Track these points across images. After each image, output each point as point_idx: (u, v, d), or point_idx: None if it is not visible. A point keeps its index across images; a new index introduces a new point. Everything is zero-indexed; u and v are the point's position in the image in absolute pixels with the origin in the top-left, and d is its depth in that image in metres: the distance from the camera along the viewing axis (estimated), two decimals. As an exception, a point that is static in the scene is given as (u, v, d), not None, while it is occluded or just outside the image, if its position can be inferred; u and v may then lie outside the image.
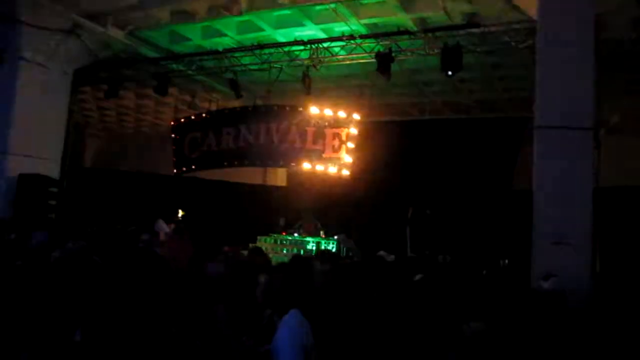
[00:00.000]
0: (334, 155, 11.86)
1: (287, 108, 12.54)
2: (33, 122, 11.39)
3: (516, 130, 14.00)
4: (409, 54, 10.82)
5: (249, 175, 16.99)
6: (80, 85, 13.65)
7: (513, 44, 9.77)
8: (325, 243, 12.99)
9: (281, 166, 15.59)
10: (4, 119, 11.24)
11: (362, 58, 11.26)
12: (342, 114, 12.11)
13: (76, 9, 11.05)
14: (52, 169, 11.77)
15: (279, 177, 18.86)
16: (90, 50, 12.09)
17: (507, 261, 9.74)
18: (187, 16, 11.18)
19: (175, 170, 14.06)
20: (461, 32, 9.96)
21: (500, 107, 14.82)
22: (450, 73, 9.88)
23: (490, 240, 12.40)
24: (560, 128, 7.59)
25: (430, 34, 10.29)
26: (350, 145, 11.94)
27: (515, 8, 8.80)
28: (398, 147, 15.08)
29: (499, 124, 14.89)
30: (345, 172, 12.15)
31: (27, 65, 11.34)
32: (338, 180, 12.67)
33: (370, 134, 13.21)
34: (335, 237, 12.93)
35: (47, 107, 11.75)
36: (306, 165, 12.39)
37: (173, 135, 14.07)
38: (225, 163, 13.14)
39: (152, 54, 13.01)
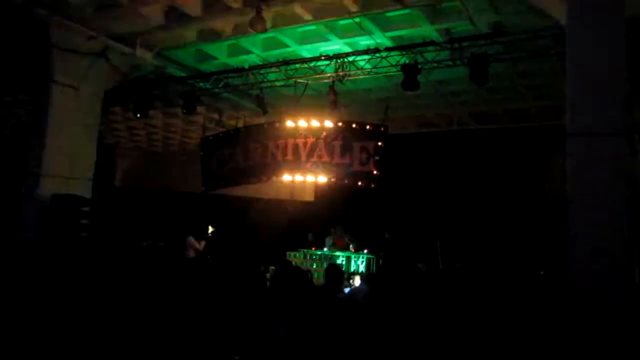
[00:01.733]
0: (362, 168, 11.79)
1: (313, 123, 12.56)
2: (66, 143, 11.60)
3: (547, 139, 13.78)
4: (435, 65, 10.76)
5: (276, 190, 17.04)
6: (111, 106, 13.91)
7: (541, 51, 9.65)
8: (355, 257, 12.94)
9: (309, 181, 15.59)
10: (37, 141, 11.49)
11: (388, 71, 11.24)
12: (369, 127, 12.08)
13: (105, 32, 11.27)
14: (84, 189, 11.95)
15: (306, 192, 18.87)
16: (120, 72, 12.32)
17: (542, 272, 9.53)
18: (213, 35, 11.31)
19: (204, 188, 14.17)
20: (488, 41, 9.87)
21: (530, 116, 14.62)
22: (480, 81, 9.82)
23: (525, 252, 12.18)
24: (593, 135, 7.42)
25: (456, 45, 10.22)
26: (378, 158, 11.87)
27: (543, 15, 8.67)
28: (426, 159, 14.99)
29: (529, 133, 14.69)
30: (374, 186, 12.06)
31: (59, 88, 11.57)
32: (366, 193, 12.60)
33: (398, 147, 13.14)
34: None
35: (79, 128, 11.96)
36: (334, 180, 12.36)
37: (201, 153, 14.20)
38: (253, 179, 13.19)
39: (179, 73, 13.20)
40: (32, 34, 10.94)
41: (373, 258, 13.27)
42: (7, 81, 14.06)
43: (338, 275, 5.87)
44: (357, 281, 9.00)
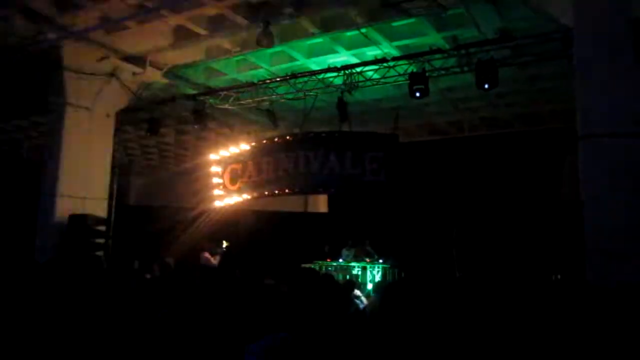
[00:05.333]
0: (374, 178, 11.79)
1: (324, 135, 12.60)
2: (80, 164, 11.76)
3: (561, 142, 13.69)
4: (442, 72, 10.77)
5: (290, 203, 17.07)
6: (123, 126, 14.06)
7: (550, 54, 9.63)
8: (370, 268, 12.90)
9: (321, 193, 15.64)
10: (52, 162, 11.66)
11: (396, 80, 11.26)
12: (379, 137, 12.10)
13: (116, 53, 11.43)
14: (99, 208, 12.08)
15: (320, 203, 18.90)
16: (131, 91, 12.47)
17: (559, 276, 9.44)
18: (221, 52, 11.42)
19: (217, 203, 14.23)
20: (495, 46, 9.87)
21: (541, 120, 14.55)
22: (487, 86, 9.84)
23: (541, 256, 12.07)
24: (606, 136, 7.38)
25: (463, 51, 10.23)
26: (390, 168, 11.88)
27: (549, 18, 8.67)
28: (438, 167, 14.95)
29: (541, 136, 14.60)
30: (386, 195, 12.05)
31: (73, 109, 11.76)
32: (379, 204, 12.59)
33: (409, 155, 13.12)
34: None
35: (93, 148, 12.13)
36: (346, 190, 12.37)
37: (214, 169, 14.29)
38: (266, 192, 13.23)
39: (189, 90, 13.32)
40: (45, 57, 11.12)
41: (388, 268, 13.22)
42: (22, 105, 14.26)
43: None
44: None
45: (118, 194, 13.54)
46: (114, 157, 12.97)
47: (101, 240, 11.76)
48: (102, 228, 11.88)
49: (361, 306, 8.08)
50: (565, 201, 13.31)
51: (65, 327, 3.90)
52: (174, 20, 10.20)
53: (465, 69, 10.41)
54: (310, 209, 18.83)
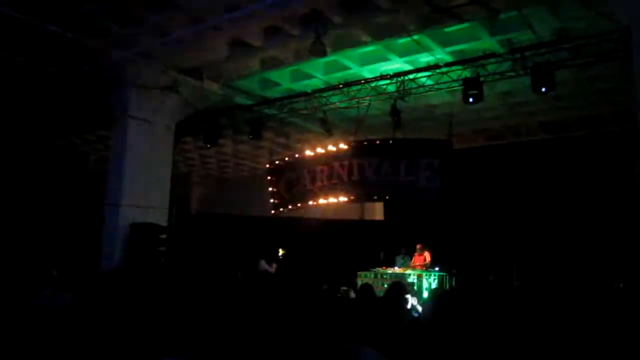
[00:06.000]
0: (429, 185, 11.69)
1: (378, 142, 12.59)
2: (142, 174, 12.21)
3: (624, 144, 13.17)
4: (497, 77, 10.60)
5: (346, 211, 17.11)
6: (183, 137, 14.50)
7: (608, 54, 9.32)
8: (426, 275, 12.77)
9: (376, 200, 15.60)
10: (117, 173, 12.16)
11: (450, 86, 11.16)
12: (433, 143, 12.00)
13: (174, 67, 11.84)
14: (161, 217, 12.47)
15: (376, 211, 18.85)
16: (189, 103, 12.86)
17: (621, 284, 9.08)
18: (275, 62, 11.64)
19: (273, 211, 14.42)
20: (551, 48, 9.64)
21: (603, 122, 14.04)
22: (544, 90, 9.61)
23: (603, 264, 11.63)
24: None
25: (518, 55, 10.04)
26: (444, 174, 11.75)
27: (606, 17, 8.41)
28: (495, 173, 14.66)
29: (604, 139, 14.07)
30: (441, 202, 11.91)
31: (135, 122, 12.25)
32: (437, 210, 12.46)
33: (465, 161, 12.94)
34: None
35: (154, 159, 12.57)
36: (400, 197, 12.30)
37: (269, 177, 14.49)
38: (321, 200, 13.32)
39: (245, 101, 13.62)
40: (108, 73, 11.65)
41: (445, 275, 13.05)
42: (88, 119, 14.99)
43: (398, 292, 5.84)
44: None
45: (179, 203, 13.93)
46: (174, 167, 13.37)
47: (163, 249, 12.13)
48: (164, 236, 12.26)
49: (416, 315, 8.03)
50: (631, 207, 12.78)
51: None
52: (229, 33, 10.47)
53: (521, 72, 10.20)
54: (367, 217, 18.82)
